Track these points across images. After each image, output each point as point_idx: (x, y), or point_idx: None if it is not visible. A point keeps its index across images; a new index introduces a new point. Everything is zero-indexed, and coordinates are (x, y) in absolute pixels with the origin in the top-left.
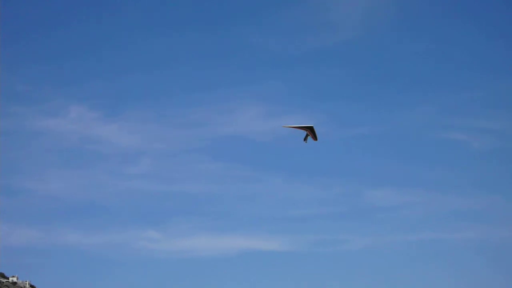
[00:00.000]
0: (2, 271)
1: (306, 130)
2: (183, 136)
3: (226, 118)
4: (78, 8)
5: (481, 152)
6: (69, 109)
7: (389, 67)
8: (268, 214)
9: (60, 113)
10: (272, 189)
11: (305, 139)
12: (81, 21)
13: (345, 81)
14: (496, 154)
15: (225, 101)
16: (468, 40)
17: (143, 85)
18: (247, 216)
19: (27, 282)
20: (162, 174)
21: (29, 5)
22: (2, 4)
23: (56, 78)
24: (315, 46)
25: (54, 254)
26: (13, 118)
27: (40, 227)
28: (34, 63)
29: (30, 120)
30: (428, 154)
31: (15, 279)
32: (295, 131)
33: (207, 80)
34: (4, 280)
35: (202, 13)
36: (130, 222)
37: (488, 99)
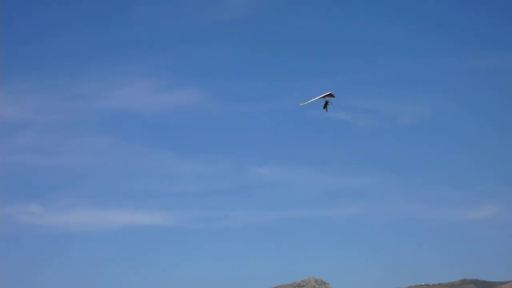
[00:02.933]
0: None
1: (325, 98)
2: (68, 109)
3: (113, 93)
4: None
5: (365, 131)
6: None
7: (279, 42)
8: (153, 189)
9: None
10: (158, 165)
11: (325, 106)
12: None
13: (233, 57)
14: (378, 133)
15: (113, 76)
16: (361, 19)
17: (29, 56)
18: (132, 191)
19: None
20: (45, 147)
21: None
22: None
23: None
24: (206, 22)
25: None
26: None
27: None
28: None
29: None
30: (313, 132)
31: None
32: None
33: (96, 55)
34: None
35: None
36: (12, 196)
37: (370, 80)
